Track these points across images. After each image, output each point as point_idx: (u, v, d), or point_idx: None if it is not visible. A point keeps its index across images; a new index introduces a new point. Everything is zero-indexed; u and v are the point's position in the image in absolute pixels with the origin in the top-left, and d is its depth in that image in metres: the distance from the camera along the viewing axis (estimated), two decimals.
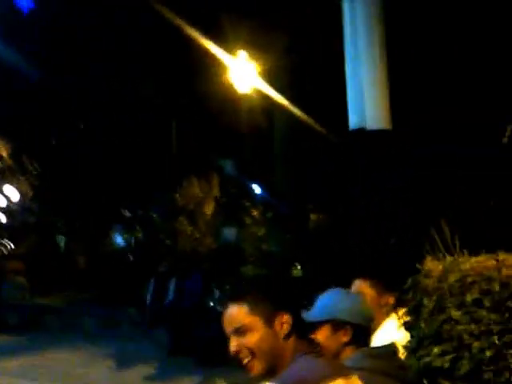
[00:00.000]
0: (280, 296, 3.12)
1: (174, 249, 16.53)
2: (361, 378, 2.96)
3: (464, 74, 11.86)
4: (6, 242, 22.09)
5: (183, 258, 16.24)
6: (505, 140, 10.14)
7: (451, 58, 12.16)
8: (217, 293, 14.29)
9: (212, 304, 14.10)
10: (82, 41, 18.29)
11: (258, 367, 2.92)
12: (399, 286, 3.69)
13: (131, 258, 19.04)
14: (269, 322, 2.96)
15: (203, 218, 16.89)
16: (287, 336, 2.96)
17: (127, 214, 20.39)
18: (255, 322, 2.95)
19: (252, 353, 2.92)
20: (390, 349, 3.62)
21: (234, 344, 2.96)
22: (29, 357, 14.14)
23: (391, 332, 4.07)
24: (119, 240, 20.32)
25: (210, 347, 12.75)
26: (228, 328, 2.99)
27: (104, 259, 19.64)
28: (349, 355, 3.53)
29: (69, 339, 15.78)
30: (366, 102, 11.39)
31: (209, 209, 17.07)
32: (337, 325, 3.58)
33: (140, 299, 15.90)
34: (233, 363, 3.04)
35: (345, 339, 3.61)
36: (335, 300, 3.69)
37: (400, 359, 3.56)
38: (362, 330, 3.67)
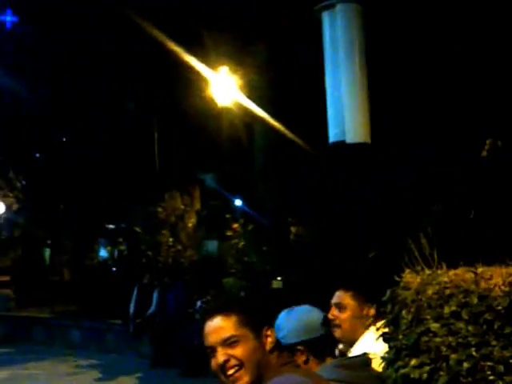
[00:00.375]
0: (264, 309, 3.12)
1: (156, 261, 16.57)
2: None
3: (445, 86, 11.91)
4: None
5: (165, 269, 16.29)
6: (484, 154, 10.18)
7: (432, 70, 12.20)
8: (199, 304, 14.33)
9: (194, 315, 14.13)
10: (66, 54, 18.31)
11: (245, 379, 2.87)
12: (379, 298, 3.69)
13: (115, 270, 19.05)
14: (256, 334, 2.94)
15: (185, 230, 16.94)
16: (272, 349, 2.96)
17: (111, 227, 20.42)
18: (245, 333, 2.91)
19: (241, 364, 2.88)
20: (362, 359, 3.65)
21: (222, 354, 2.89)
22: (15, 368, 14.18)
23: (370, 343, 4.08)
24: (103, 253, 20.34)
25: (193, 358, 12.80)
26: (214, 339, 2.92)
27: (89, 271, 19.65)
28: (316, 368, 3.57)
29: (54, 350, 15.83)
30: (346, 115, 11.47)
31: (190, 221, 17.13)
32: (289, 350, 3.53)
33: (124, 311, 15.94)
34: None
35: (303, 358, 3.68)
36: (278, 327, 3.71)
37: (373, 370, 3.57)
38: (317, 341, 3.74)
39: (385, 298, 3.45)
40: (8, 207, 23.12)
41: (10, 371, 13.91)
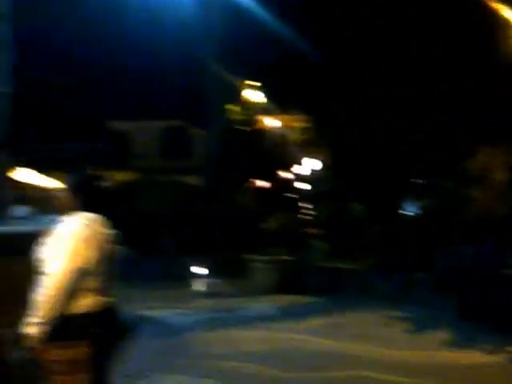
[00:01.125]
0: None
1: (466, 216, 16.47)
2: None
3: None
4: (308, 208, 23.23)
5: (475, 224, 16.14)
6: None
7: None
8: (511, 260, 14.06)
9: (507, 271, 13.87)
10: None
11: None
12: None
13: (423, 224, 19.16)
14: None
15: (495, 185, 16.66)
16: None
17: (419, 182, 20.55)
18: None
19: None
20: None
21: None
22: (328, 317, 14.74)
23: None
24: (411, 208, 20.52)
25: (504, 314, 12.63)
26: None
27: (398, 226, 19.97)
28: None
29: (365, 301, 16.21)
30: None
31: (501, 176, 16.80)
32: None
33: (432, 264, 16.02)
34: None
35: None
36: None
37: None
38: None
39: None
40: (322, 164, 24.15)
41: (325, 320, 14.46)
